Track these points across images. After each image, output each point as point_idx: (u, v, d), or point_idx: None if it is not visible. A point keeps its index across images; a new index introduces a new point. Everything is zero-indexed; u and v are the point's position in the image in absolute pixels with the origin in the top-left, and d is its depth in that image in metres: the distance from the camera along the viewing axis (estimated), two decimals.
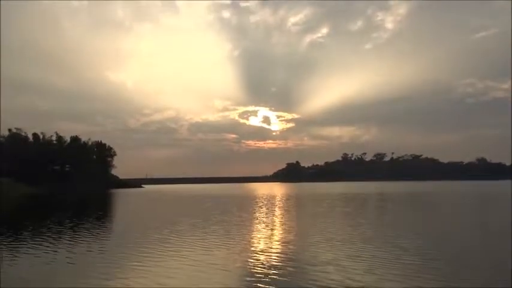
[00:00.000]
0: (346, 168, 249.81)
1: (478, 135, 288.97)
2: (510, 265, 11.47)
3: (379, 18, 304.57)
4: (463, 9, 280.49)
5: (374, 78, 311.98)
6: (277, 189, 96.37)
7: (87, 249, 15.66)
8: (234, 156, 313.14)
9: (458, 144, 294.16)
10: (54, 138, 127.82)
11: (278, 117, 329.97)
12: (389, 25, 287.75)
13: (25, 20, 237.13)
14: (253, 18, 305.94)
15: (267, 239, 17.65)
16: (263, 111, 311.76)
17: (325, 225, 22.17)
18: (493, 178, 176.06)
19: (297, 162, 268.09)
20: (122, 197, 67.38)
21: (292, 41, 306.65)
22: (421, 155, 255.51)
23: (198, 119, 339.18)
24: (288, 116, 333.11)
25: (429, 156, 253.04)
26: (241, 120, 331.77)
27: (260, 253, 14.09)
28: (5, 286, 10.30)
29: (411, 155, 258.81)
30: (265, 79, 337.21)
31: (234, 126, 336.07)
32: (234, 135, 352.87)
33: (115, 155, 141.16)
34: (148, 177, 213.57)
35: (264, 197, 56.53)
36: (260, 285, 9.93)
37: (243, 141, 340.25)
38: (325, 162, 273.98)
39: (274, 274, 10.91)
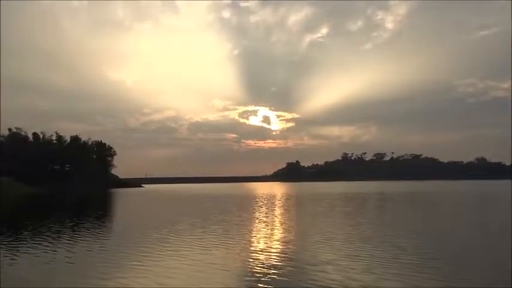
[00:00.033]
0: (346, 167, 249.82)
1: (478, 135, 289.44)
2: (510, 265, 11.48)
3: (379, 17, 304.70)
4: (463, 8, 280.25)
5: (374, 77, 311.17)
6: (277, 189, 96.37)
7: (87, 248, 15.66)
8: (233, 155, 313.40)
9: (458, 143, 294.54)
10: (54, 137, 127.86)
11: (278, 116, 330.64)
12: (389, 25, 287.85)
13: (25, 20, 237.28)
14: (253, 18, 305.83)
15: (267, 238, 17.65)
16: (263, 110, 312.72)
17: (325, 224, 22.18)
18: (492, 178, 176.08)
19: (297, 161, 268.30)
20: (122, 197, 67.39)
21: (292, 40, 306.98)
22: (421, 155, 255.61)
23: (198, 118, 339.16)
24: (288, 115, 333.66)
25: (429, 156, 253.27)
26: (241, 120, 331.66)
27: (260, 253, 14.09)
28: (5, 286, 10.30)
29: (411, 154, 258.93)
30: (265, 79, 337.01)
31: (234, 126, 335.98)
32: (234, 135, 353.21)
33: (115, 154, 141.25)
34: (148, 176, 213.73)
35: (264, 197, 56.53)
36: (260, 285, 9.93)
37: (243, 140, 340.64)
38: (325, 162, 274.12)
39: (273, 274, 10.91)
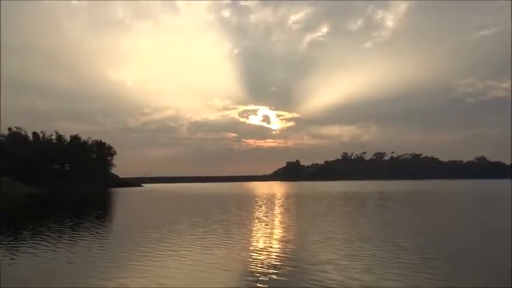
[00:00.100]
0: (346, 167, 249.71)
1: (478, 135, 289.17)
2: (510, 265, 11.47)
3: (379, 17, 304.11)
4: (462, 8, 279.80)
5: (374, 77, 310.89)
6: (277, 188, 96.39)
7: (87, 248, 15.66)
8: (233, 155, 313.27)
9: (458, 143, 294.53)
10: (54, 137, 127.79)
11: (278, 116, 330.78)
12: (389, 24, 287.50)
13: (25, 20, 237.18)
14: (253, 18, 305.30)
15: (267, 238, 17.65)
16: (263, 110, 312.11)
17: (325, 224, 22.18)
18: (492, 177, 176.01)
19: (297, 161, 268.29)
20: (122, 196, 67.40)
21: (292, 40, 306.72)
22: (421, 154, 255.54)
23: (198, 118, 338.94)
24: (288, 115, 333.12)
25: (429, 155, 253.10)
26: (241, 119, 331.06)
27: (260, 252, 14.09)
28: (5, 286, 10.30)
29: (411, 154, 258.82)
30: (265, 78, 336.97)
31: (234, 125, 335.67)
32: (234, 134, 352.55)
33: (115, 154, 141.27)
34: (148, 176, 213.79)
35: (264, 196, 56.53)
36: (260, 285, 9.92)
37: (243, 140, 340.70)
38: (325, 161, 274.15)
39: (274, 274, 10.91)
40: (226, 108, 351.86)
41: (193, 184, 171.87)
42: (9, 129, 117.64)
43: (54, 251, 15.26)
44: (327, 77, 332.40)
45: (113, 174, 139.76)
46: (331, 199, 47.56)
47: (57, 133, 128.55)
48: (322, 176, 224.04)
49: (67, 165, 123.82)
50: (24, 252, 14.97)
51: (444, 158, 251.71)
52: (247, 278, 10.55)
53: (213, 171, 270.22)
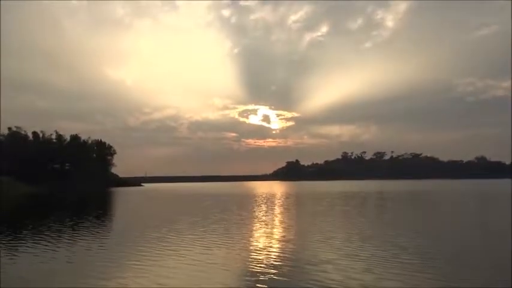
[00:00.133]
0: (346, 166, 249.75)
1: (477, 134, 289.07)
2: (510, 265, 11.47)
3: (379, 16, 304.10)
4: (462, 8, 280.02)
5: (374, 76, 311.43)
6: (277, 188, 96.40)
7: (86, 248, 15.65)
8: (233, 154, 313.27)
9: (458, 142, 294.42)
10: (54, 136, 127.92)
11: (278, 115, 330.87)
12: (389, 23, 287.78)
13: (24, 19, 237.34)
14: (253, 17, 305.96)
15: (267, 237, 17.65)
16: (263, 109, 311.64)
17: (325, 224, 22.18)
18: (492, 177, 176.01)
19: (297, 160, 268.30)
20: (122, 196, 67.41)
21: (292, 39, 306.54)
22: (420, 154, 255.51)
23: (198, 117, 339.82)
24: (288, 114, 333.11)
25: (429, 155, 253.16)
26: (241, 119, 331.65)
27: (260, 252, 14.08)
28: (5, 286, 10.29)
29: (411, 153, 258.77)
30: (265, 77, 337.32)
31: (233, 125, 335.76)
32: (233, 134, 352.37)
33: (115, 153, 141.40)
34: (148, 175, 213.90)
35: (264, 196, 56.54)
36: (260, 285, 9.92)
37: (242, 139, 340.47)
38: (325, 161, 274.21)
39: (274, 273, 10.90)
40: (226, 108, 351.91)
41: (193, 184, 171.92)
42: (9, 128, 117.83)
43: (54, 250, 15.26)
44: (327, 76, 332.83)
45: (112, 173, 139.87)
46: (331, 199, 47.56)
47: (57, 133, 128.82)
48: (322, 175, 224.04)
49: (67, 164, 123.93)
50: (24, 252, 14.96)
51: (444, 157, 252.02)
52: (247, 278, 10.55)
53: (213, 171, 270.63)
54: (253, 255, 13.50)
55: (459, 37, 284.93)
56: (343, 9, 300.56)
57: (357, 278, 10.27)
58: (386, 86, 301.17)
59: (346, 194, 59.25)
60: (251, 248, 15.06)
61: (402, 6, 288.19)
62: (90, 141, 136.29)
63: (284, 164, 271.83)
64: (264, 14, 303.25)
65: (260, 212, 30.76)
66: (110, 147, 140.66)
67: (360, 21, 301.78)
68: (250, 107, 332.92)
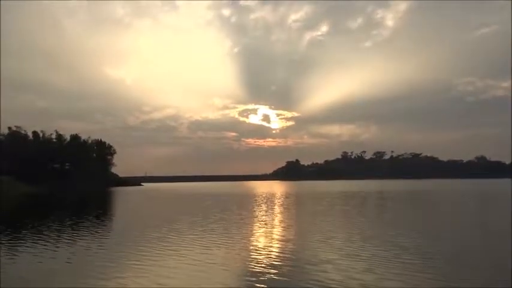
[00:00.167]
0: (345, 166, 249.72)
1: (477, 134, 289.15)
2: (510, 265, 11.46)
3: (379, 16, 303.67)
4: (463, 7, 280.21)
5: (374, 76, 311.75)
6: (277, 188, 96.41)
7: (86, 248, 15.65)
8: (233, 154, 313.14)
9: (458, 142, 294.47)
10: (54, 136, 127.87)
11: (278, 115, 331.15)
12: (389, 23, 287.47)
13: (24, 19, 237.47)
14: (253, 16, 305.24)
15: (267, 237, 17.65)
16: (263, 109, 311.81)
17: (325, 223, 22.18)
18: (492, 176, 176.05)
19: (297, 160, 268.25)
20: (122, 195, 67.41)
21: (292, 39, 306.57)
22: (420, 154, 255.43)
23: (198, 117, 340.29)
24: (288, 114, 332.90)
25: (429, 155, 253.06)
26: (241, 119, 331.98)
27: (260, 252, 14.08)
28: (5, 286, 10.29)
29: (411, 153, 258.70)
30: (265, 77, 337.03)
31: (233, 125, 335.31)
32: (233, 134, 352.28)
33: (115, 153, 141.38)
34: (148, 175, 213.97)
35: (264, 195, 56.54)
36: (260, 285, 9.91)
37: (242, 139, 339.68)
38: (325, 161, 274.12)
39: (274, 273, 10.89)
40: (226, 108, 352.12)
41: (193, 183, 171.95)
42: (9, 128, 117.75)
43: (54, 250, 15.26)
44: (327, 76, 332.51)
45: (112, 173, 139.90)
46: (331, 198, 47.56)
47: (57, 132, 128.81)
48: (322, 175, 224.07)
49: (67, 164, 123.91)
50: (24, 252, 14.96)
51: (444, 157, 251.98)
52: (247, 278, 10.54)
53: (213, 171, 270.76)
54: (253, 255, 13.49)
55: (459, 37, 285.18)
56: (343, 8, 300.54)
57: (357, 278, 10.27)
58: (386, 85, 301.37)
59: (346, 194, 59.25)
60: (251, 247, 15.05)
61: (402, 6, 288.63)
62: (90, 141, 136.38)
63: (284, 164, 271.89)
64: (264, 13, 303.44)
65: (260, 211, 30.75)
66: (110, 146, 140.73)
67: (360, 20, 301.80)
68: (250, 106, 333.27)
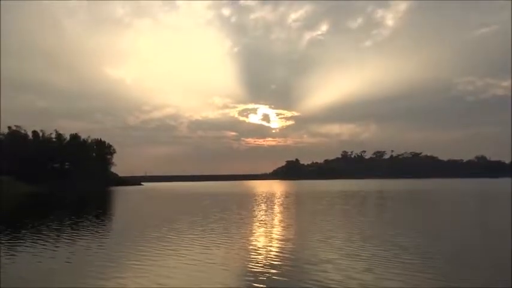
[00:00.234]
0: (345, 166, 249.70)
1: (477, 133, 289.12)
2: (510, 265, 11.45)
3: (379, 15, 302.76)
4: (463, 7, 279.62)
5: (374, 75, 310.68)
6: (277, 187, 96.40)
7: (86, 247, 15.63)
8: (233, 153, 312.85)
9: (458, 142, 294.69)
10: (53, 136, 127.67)
11: (278, 114, 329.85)
12: (389, 22, 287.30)
13: (24, 19, 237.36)
14: (252, 16, 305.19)
15: (267, 237, 17.64)
16: (263, 108, 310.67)
17: (325, 223, 22.16)
18: (492, 176, 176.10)
19: (297, 159, 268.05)
20: (121, 195, 67.39)
21: (292, 38, 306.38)
22: (420, 153, 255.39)
23: (197, 116, 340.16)
24: (288, 113, 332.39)
25: (429, 154, 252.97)
26: (241, 118, 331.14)
27: (259, 252, 14.06)
28: (5, 286, 10.27)
29: (411, 152, 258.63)
30: (264, 77, 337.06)
31: (233, 124, 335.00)
32: (233, 133, 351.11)
33: (114, 152, 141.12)
34: (148, 174, 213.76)
35: (264, 195, 56.53)
36: (260, 284, 9.90)
37: (242, 138, 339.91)
38: (325, 160, 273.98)
39: (273, 273, 10.88)
40: (226, 107, 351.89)
41: (193, 183, 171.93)
42: (9, 128, 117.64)
43: (54, 250, 15.25)
44: (327, 75, 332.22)
45: (112, 172, 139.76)
46: (330, 198, 47.56)
47: (56, 132, 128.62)
48: (322, 174, 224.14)
49: (67, 163, 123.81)
50: (24, 252, 14.95)
51: (444, 156, 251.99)
52: (246, 278, 10.53)
53: (213, 170, 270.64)
54: (253, 255, 13.48)
55: (459, 36, 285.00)
56: (343, 8, 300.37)
57: (357, 277, 10.26)
58: (386, 85, 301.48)
59: (346, 193, 59.25)
60: (251, 247, 15.04)
61: (402, 6, 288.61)
62: (89, 141, 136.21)
63: (284, 163, 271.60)
64: (264, 13, 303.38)
65: (260, 211, 30.74)
66: (110, 146, 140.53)
67: (360, 20, 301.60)
68: (250, 106, 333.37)
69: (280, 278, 10.40)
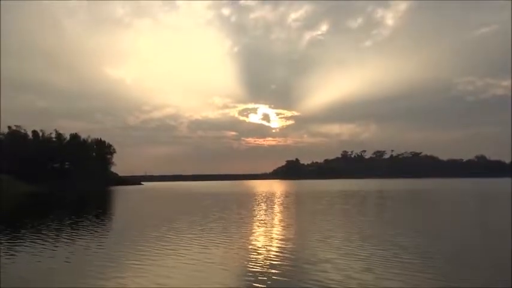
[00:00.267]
0: (345, 165, 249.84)
1: (477, 133, 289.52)
2: (510, 265, 11.43)
3: (379, 15, 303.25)
4: (463, 6, 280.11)
5: (374, 75, 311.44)
6: (277, 187, 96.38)
7: (85, 247, 15.61)
8: (233, 153, 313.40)
9: (458, 141, 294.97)
10: (53, 135, 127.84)
11: (278, 114, 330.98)
12: (389, 22, 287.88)
13: (24, 19, 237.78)
14: (252, 16, 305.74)
15: (266, 237, 17.62)
16: (263, 108, 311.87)
17: (325, 223, 22.14)
18: (492, 176, 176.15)
19: (297, 159, 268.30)
20: (121, 195, 67.38)
21: (292, 38, 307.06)
22: (420, 153, 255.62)
23: (197, 116, 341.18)
24: (288, 113, 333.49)
25: (429, 154, 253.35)
26: (241, 118, 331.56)
27: (259, 251, 14.04)
28: (5, 286, 10.26)
29: (411, 152, 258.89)
30: (264, 76, 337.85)
31: (233, 124, 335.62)
32: (233, 133, 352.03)
33: (114, 152, 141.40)
34: (148, 174, 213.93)
35: (264, 195, 56.51)
36: (259, 284, 9.88)
37: (242, 138, 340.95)
38: (325, 160, 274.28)
39: (273, 273, 10.86)
40: (226, 107, 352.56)
41: (192, 182, 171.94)
42: (9, 127, 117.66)
43: (53, 250, 15.22)
44: (327, 75, 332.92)
45: (112, 172, 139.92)
46: (330, 197, 47.54)
47: (56, 131, 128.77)
48: (322, 174, 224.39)
49: (67, 163, 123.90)
50: (24, 252, 14.92)
51: (444, 156, 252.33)
52: (246, 278, 10.51)
53: (213, 170, 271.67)
54: (253, 255, 13.46)
55: (459, 36, 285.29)
56: (343, 8, 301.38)
57: (356, 277, 10.24)
58: (386, 84, 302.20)
59: (345, 193, 59.23)
60: (250, 247, 15.02)
61: (402, 5, 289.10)
62: (89, 140, 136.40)
63: (284, 163, 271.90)
64: (264, 13, 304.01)
65: (260, 211, 30.72)
66: (110, 146, 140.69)
67: (360, 20, 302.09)
68: (250, 105, 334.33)
69: (280, 278, 10.38)
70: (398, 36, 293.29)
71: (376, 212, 31.09)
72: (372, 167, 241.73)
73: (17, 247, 15.89)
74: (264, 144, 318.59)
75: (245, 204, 38.19)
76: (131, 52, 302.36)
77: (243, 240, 16.54)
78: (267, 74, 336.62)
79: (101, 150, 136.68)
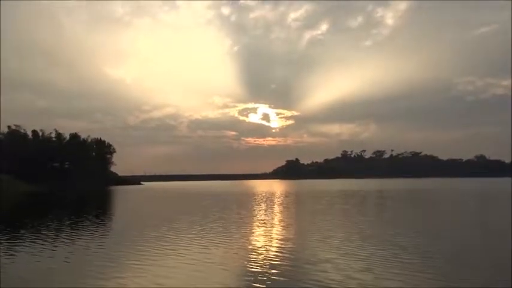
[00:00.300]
0: (345, 165, 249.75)
1: (477, 133, 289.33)
2: (510, 265, 11.43)
3: (379, 14, 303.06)
4: (463, 6, 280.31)
5: (374, 75, 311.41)
6: (277, 187, 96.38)
7: (85, 247, 15.60)
8: (233, 153, 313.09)
9: (458, 141, 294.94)
10: (53, 135, 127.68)
11: (278, 114, 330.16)
12: (389, 22, 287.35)
13: (24, 19, 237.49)
14: (252, 15, 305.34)
15: (266, 236, 17.61)
16: (263, 108, 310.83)
17: (324, 222, 22.13)
18: (492, 175, 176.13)
19: (297, 159, 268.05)
20: (121, 194, 67.38)
21: (292, 37, 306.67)
22: (420, 152, 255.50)
23: (197, 116, 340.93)
24: (288, 113, 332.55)
25: (429, 154, 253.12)
26: (241, 117, 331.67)
27: (259, 251, 14.04)
28: (5, 286, 10.25)
29: (411, 152, 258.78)
30: (264, 76, 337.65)
31: (233, 123, 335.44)
32: (233, 132, 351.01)
33: (114, 152, 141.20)
34: (148, 174, 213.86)
35: (264, 194, 56.51)
36: (259, 284, 9.87)
37: (242, 138, 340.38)
38: (325, 160, 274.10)
39: (273, 273, 10.85)
40: (226, 106, 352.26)
41: (192, 182, 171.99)
42: (9, 127, 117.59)
43: (53, 250, 15.22)
44: (327, 74, 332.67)
45: (112, 172, 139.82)
46: (330, 197, 47.54)
47: (56, 131, 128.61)
48: (322, 174, 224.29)
49: (66, 163, 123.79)
50: (24, 252, 14.91)
51: (444, 156, 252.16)
52: (246, 278, 10.51)
53: (213, 170, 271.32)
54: (252, 255, 13.45)
55: (459, 36, 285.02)
56: (343, 7, 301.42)
57: (356, 277, 10.23)
58: (386, 84, 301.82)
59: (345, 193, 59.24)
60: (250, 247, 15.02)
61: (402, 5, 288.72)
62: (89, 140, 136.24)
63: (284, 163, 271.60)
64: (263, 12, 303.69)
65: (259, 210, 30.72)
66: (110, 145, 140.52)
67: (360, 19, 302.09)
68: (250, 105, 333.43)
69: (280, 278, 10.37)
70: (398, 35, 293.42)
71: (376, 212, 31.09)
72: (372, 166, 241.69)
73: (16, 247, 15.88)
74: (264, 144, 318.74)
75: (245, 204, 38.18)
76: (131, 51, 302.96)
77: (243, 240, 16.53)
78: (266, 74, 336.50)
79: (101, 150, 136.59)
